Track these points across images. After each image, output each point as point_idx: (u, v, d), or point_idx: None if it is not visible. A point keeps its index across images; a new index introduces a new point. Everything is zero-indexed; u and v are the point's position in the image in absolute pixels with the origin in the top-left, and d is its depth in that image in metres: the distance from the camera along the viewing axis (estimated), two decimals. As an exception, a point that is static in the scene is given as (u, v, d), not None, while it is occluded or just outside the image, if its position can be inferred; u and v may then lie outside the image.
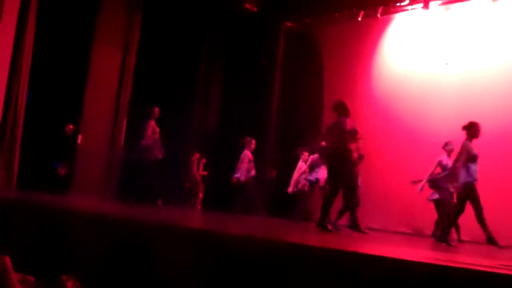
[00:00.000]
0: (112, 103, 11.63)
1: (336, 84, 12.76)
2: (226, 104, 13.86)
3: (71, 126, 10.88)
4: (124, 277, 4.44)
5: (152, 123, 10.59)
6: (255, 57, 13.40)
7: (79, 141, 10.98)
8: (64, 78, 10.73)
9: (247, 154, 11.11)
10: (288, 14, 13.34)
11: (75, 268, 4.25)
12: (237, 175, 11.05)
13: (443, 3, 11.63)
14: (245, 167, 11.07)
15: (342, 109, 7.74)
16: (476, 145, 7.70)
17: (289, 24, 13.75)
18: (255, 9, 12.82)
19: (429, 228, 9.77)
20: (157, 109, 10.65)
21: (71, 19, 10.72)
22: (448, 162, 8.80)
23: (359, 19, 12.37)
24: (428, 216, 9.67)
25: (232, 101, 13.48)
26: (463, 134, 7.75)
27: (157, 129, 10.66)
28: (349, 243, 5.85)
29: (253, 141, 11.19)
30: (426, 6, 11.51)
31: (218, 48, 13.93)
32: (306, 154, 11.08)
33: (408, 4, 11.96)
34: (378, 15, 12.18)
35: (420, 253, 5.17)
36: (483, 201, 7.53)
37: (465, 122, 7.79)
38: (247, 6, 12.70)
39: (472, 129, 7.64)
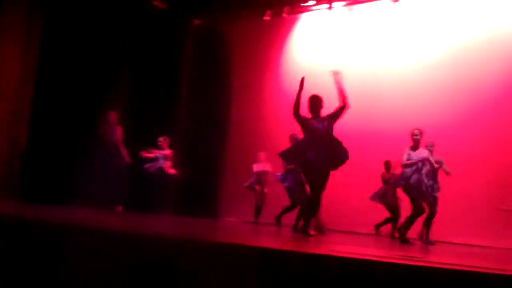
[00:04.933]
0: (12, 101, 11.16)
1: (244, 80, 12.92)
2: (134, 105, 13.50)
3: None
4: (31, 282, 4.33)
5: None
6: (164, 55, 13.25)
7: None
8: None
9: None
10: (196, 11, 13.28)
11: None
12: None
13: (346, 4, 12.05)
14: None
15: None
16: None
17: (197, 21, 13.73)
18: (164, 6, 12.71)
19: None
20: None
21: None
22: None
23: (267, 17, 12.60)
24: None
25: (141, 102, 13.17)
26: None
27: None
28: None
29: None
30: (330, 7, 11.92)
31: (126, 46, 13.59)
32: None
33: (314, 5, 12.31)
34: (285, 15, 12.44)
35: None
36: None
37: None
38: (156, 3, 12.57)
39: None
